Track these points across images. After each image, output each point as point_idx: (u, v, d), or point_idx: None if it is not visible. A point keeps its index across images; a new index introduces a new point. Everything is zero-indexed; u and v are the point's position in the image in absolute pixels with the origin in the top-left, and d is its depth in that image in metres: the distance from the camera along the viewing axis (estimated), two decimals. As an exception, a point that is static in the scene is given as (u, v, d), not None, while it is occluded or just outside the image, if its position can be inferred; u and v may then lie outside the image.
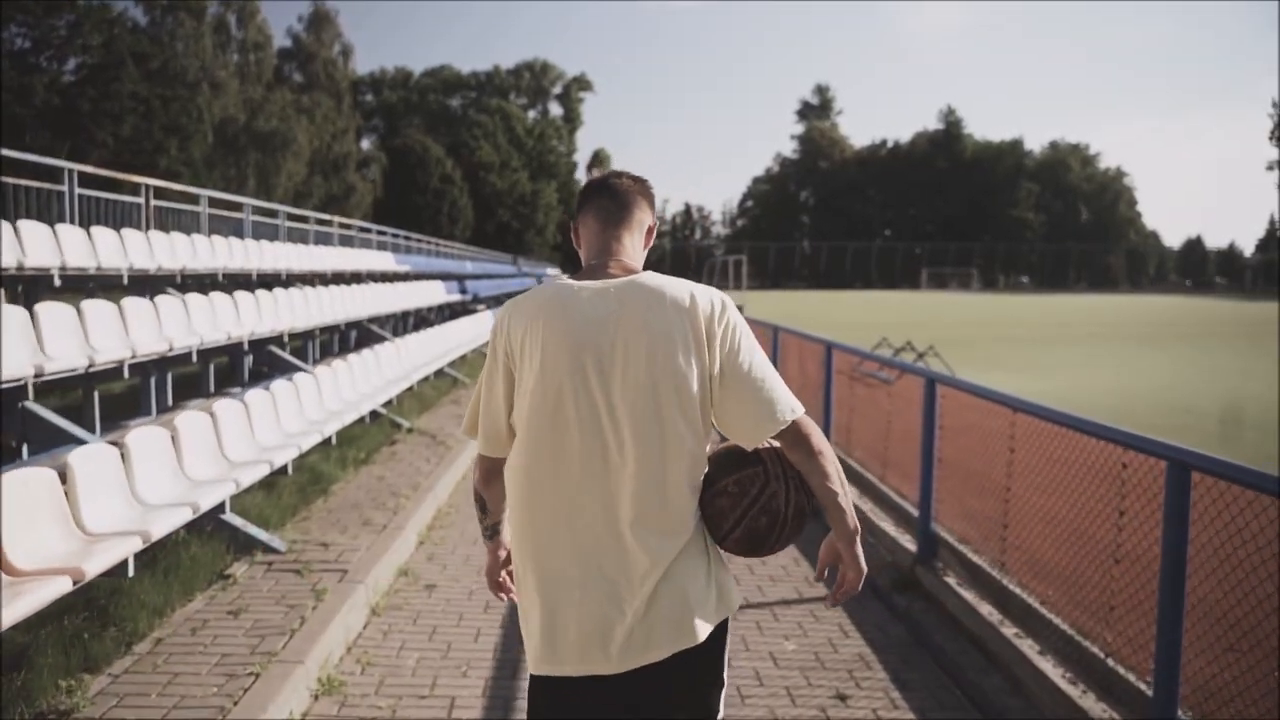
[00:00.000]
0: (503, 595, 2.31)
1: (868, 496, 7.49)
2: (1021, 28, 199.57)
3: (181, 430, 5.10)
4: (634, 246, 2.12)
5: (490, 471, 2.13)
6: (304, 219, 15.71)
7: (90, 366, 5.60)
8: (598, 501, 1.91)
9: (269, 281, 11.62)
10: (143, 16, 38.91)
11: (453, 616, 5.04)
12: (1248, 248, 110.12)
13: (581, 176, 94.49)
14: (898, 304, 57.35)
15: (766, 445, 2.00)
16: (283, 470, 6.56)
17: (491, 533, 2.27)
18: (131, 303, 6.76)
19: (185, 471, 4.97)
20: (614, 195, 2.12)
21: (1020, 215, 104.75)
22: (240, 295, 8.77)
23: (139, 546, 3.96)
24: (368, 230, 20.56)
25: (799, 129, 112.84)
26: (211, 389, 8.39)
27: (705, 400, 1.94)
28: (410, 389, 11.00)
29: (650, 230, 2.18)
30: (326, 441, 7.59)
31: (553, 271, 61.99)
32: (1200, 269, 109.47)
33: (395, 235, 23.22)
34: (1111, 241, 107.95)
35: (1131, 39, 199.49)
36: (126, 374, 6.09)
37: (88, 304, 6.21)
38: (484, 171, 74.49)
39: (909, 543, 6.28)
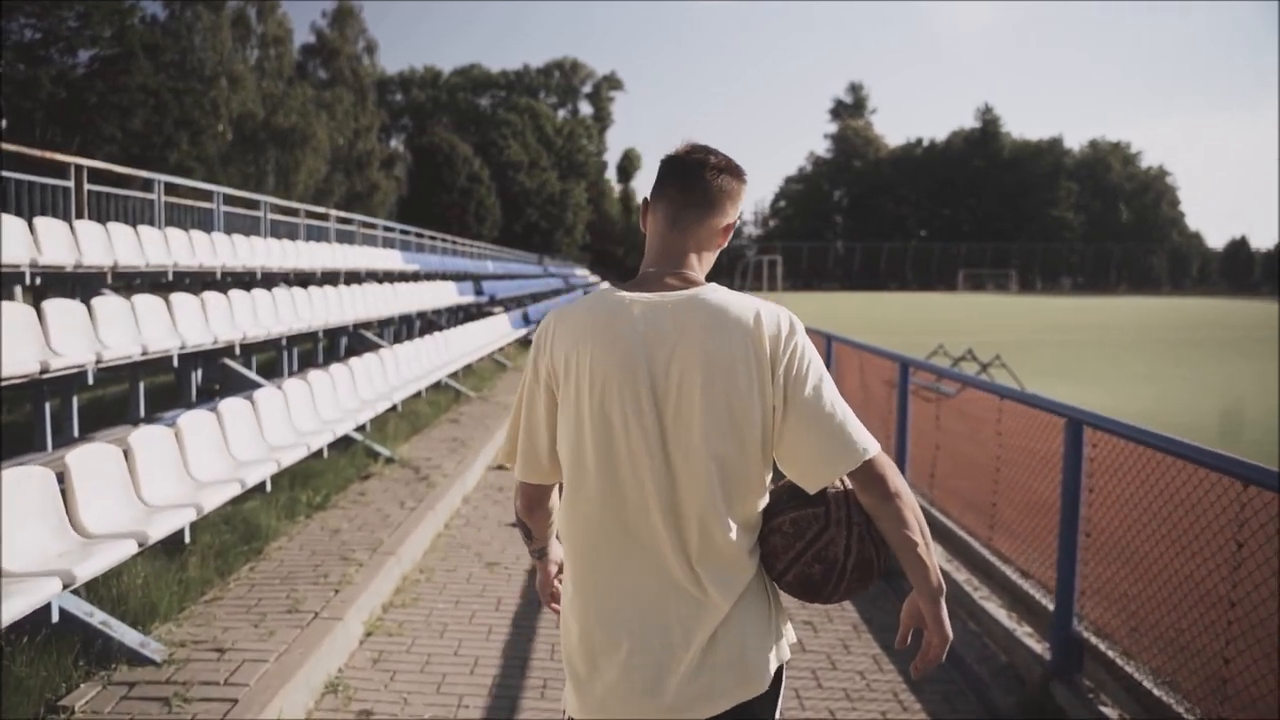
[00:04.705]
0: (556, 607, 1.98)
1: (961, 561, 5.81)
2: (1053, 26, 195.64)
3: (6, 492, 3.53)
4: (703, 253, 1.81)
5: (534, 500, 1.93)
6: (294, 212, 14.12)
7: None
8: (650, 539, 1.69)
9: (245, 281, 10.12)
10: (162, 10, 37.98)
11: (386, 773, 3.44)
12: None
13: (611, 176, 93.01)
14: (936, 306, 55.21)
15: (838, 486, 1.73)
16: (179, 537, 4.96)
17: (539, 555, 2.07)
18: (8, 307, 5.18)
19: (-6, 560, 3.40)
20: (692, 190, 1.77)
21: (1060, 215, 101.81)
22: (180, 298, 7.20)
23: None
24: (372, 226, 18.91)
25: (832, 128, 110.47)
26: (142, 414, 6.86)
27: (768, 429, 1.69)
28: (394, 408, 9.37)
29: (728, 229, 1.83)
30: (260, 487, 6.00)
31: (581, 272, 60.38)
32: (1245, 270, 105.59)
33: (405, 232, 21.61)
34: (1154, 242, 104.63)
35: (1167, 35, 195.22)
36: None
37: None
38: (512, 171, 73.50)
39: (1028, 637, 4.62)
